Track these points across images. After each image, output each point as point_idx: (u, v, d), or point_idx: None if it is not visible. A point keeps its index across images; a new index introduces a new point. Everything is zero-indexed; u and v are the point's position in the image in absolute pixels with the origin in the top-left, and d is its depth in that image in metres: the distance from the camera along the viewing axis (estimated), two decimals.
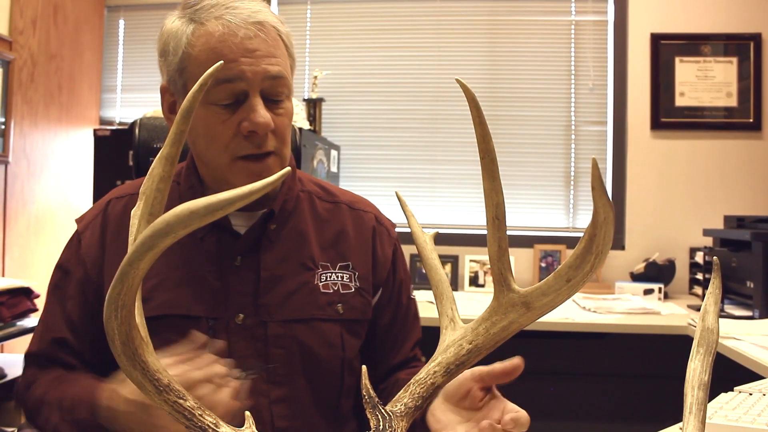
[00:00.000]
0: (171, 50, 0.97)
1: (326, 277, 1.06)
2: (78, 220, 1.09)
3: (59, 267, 1.07)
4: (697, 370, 0.69)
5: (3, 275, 2.62)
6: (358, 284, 1.08)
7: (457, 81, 0.66)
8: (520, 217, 3.17)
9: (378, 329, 1.12)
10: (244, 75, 0.92)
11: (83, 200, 3.13)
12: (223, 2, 0.96)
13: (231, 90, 0.93)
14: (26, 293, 2.17)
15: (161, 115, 2.03)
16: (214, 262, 1.01)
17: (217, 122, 0.94)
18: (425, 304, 2.46)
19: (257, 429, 0.95)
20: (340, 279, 1.06)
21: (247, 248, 1.03)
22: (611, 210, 0.57)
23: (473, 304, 2.54)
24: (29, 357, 1.05)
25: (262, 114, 0.93)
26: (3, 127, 2.65)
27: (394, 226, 1.19)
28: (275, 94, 0.96)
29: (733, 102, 3.02)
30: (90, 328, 1.01)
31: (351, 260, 1.09)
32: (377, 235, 1.14)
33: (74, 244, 1.06)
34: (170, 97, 1.02)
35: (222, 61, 0.70)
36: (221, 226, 1.02)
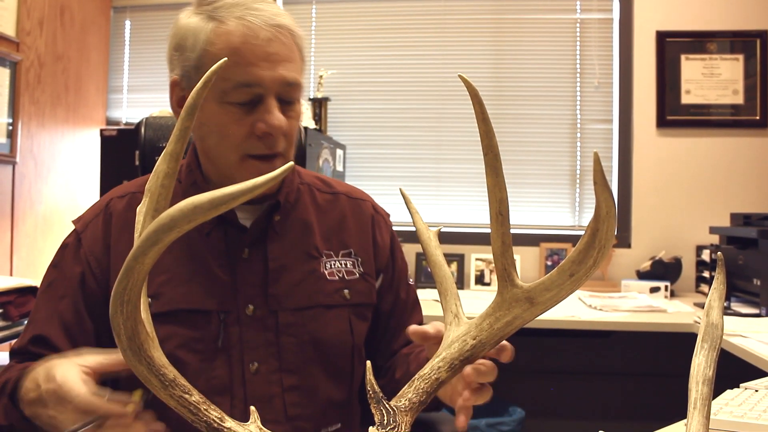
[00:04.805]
0: (189, 46, 0.97)
1: (330, 265, 1.08)
2: (76, 221, 1.09)
3: (54, 266, 1.05)
4: (701, 365, 0.69)
5: (11, 275, 2.63)
6: (361, 269, 1.11)
7: (460, 77, 0.66)
8: (525, 216, 3.16)
9: (380, 315, 1.16)
10: (263, 81, 0.95)
11: (90, 200, 3.14)
12: (242, 2, 0.97)
13: (248, 93, 0.95)
14: (34, 292, 2.18)
15: (167, 115, 2.03)
16: (222, 257, 1.02)
17: (231, 121, 0.96)
18: (430, 302, 2.46)
19: (270, 417, 0.97)
20: (344, 266, 1.10)
21: (254, 240, 1.04)
22: (613, 204, 0.58)
23: (479, 302, 2.54)
24: (11, 354, 1.04)
25: (278, 117, 0.96)
26: (11, 128, 2.67)
27: (389, 215, 1.24)
28: (289, 98, 0.99)
29: (739, 99, 3.00)
30: (83, 327, 1.00)
31: (353, 247, 1.12)
32: (375, 223, 1.18)
33: (73, 243, 1.05)
34: (180, 91, 1.02)
35: (226, 58, 0.71)
36: (227, 220, 1.04)
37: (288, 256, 1.05)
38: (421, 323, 1.19)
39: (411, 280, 1.23)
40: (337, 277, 1.08)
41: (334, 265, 1.09)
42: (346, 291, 1.08)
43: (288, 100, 0.99)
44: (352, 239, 1.13)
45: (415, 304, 1.22)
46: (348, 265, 1.10)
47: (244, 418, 0.96)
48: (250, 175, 0.96)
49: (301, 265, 1.06)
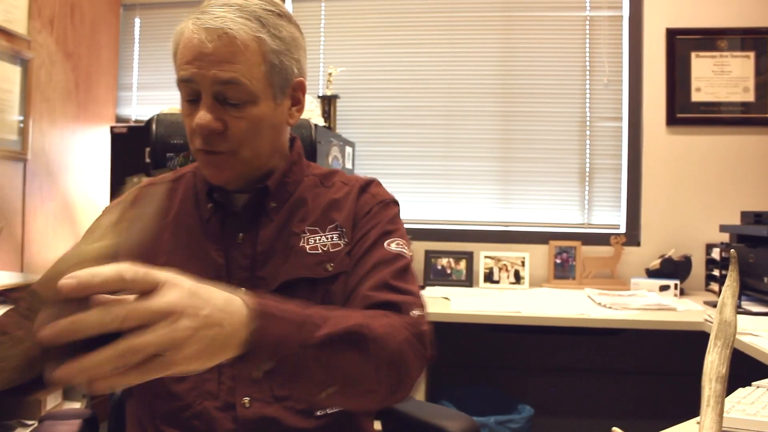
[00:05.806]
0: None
1: (314, 240, 1.09)
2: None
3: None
4: (714, 362, 0.69)
5: (21, 271, 2.65)
6: (346, 239, 1.10)
7: None
8: (535, 214, 3.16)
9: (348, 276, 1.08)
10: (194, 78, 0.99)
11: (100, 197, 3.16)
12: (206, 5, 1.02)
13: (190, 89, 1.01)
14: None
15: (177, 112, 2.05)
16: (218, 241, 1.08)
17: (185, 115, 1.04)
18: (439, 300, 2.46)
19: (259, 397, 0.99)
20: (329, 240, 1.09)
21: (247, 225, 1.09)
22: None
23: (488, 300, 2.54)
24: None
25: (201, 116, 1.00)
26: (22, 125, 2.68)
27: (390, 197, 1.17)
28: (229, 98, 1.00)
29: (750, 97, 2.99)
30: None
31: (339, 221, 1.11)
32: (362, 193, 1.14)
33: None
34: None
35: None
36: (225, 207, 1.10)
37: (277, 239, 1.09)
38: (380, 284, 1.04)
39: (396, 246, 1.08)
40: (320, 251, 1.08)
41: (319, 240, 1.09)
42: (329, 264, 1.06)
43: (229, 101, 1.00)
44: (341, 214, 1.12)
45: (381, 264, 1.05)
46: (334, 238, 1.09)
47: (232, 394, 0.98)
48: (203, 166, 1.06)
49: (285, 246, 1.08)
